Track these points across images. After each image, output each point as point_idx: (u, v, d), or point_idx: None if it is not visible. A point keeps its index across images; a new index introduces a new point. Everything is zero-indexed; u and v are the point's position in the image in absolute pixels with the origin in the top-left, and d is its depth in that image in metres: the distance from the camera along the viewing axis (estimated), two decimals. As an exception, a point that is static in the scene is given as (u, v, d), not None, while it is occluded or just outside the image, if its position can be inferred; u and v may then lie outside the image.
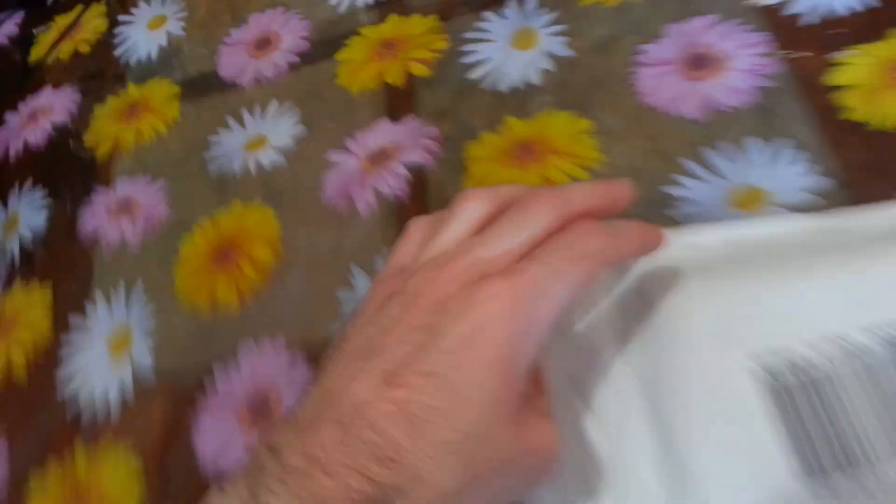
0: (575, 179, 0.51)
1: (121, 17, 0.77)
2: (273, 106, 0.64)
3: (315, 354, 0.50)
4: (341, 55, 0.64)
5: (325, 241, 0.55)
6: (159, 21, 0.75)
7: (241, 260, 0.57)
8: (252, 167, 0.61)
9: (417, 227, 0.35)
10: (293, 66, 0.66)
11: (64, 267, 0.63)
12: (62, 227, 0.66)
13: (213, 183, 0.62)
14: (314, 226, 0.56)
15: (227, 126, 0.64)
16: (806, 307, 0.34)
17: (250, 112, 0.64)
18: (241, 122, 0.64)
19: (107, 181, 0.67)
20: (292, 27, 0.68)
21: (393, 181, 0.56)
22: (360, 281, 0.52)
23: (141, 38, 0.75)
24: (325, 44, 0.66)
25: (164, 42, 0.74)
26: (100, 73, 0.75)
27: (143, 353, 0.55)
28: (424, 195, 0.55)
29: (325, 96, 0.63)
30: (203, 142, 0.65)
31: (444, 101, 0.58)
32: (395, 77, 0.61)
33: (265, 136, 0.62)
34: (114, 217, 0.64)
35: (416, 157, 0.56)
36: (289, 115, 0.63)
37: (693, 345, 0.36)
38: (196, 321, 0.55)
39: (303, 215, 0.57)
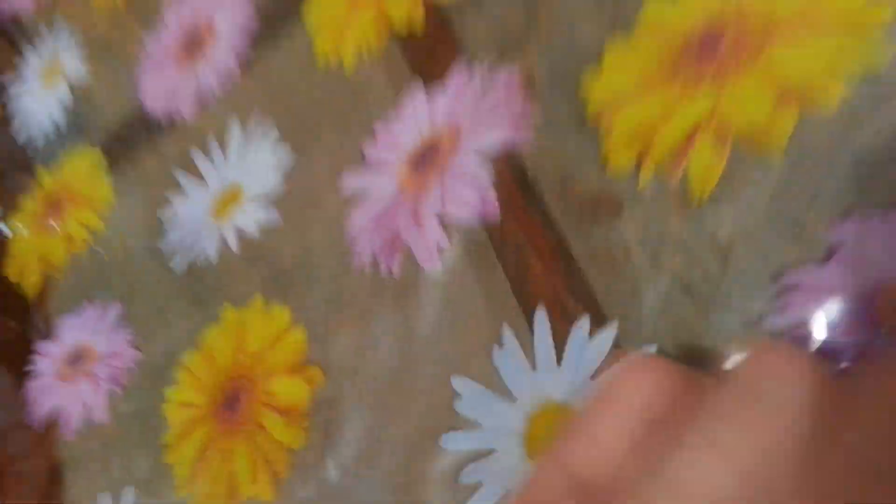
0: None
1: (11, 88, 0.53)
2: (234, 131, 0.38)
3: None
4: (310, 7, 0.38)
5: (388, 340, 0.30)
6: (53, 70, 0.50)
7: (260, 410, 0.32)
8: (232, 242, 0.36)
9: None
10: (244, 58, 0.40)
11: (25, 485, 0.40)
12: (13, 421, 0.42)
13: (185, 286, 0.37)
14: (359, 317, 0.31)
15: (179, 187, 0.39)
16: None
17: (204, 153, 0.39)
18: (196, 173, 0.39)
19: (47, 328, 0.43)
20: (227, -1, 0.42)
21: (468, 192, 0.29)
22: (469, 401, 0.27)
23: (39, 102, 0.50)
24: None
25: (67, 94, 0.49)
26: (7, 168, 0.51)
27: None
28: (531, 198, 0.28)
29: (305, 87, 0.37)
30: (154, 225, 0.40)
31: (510, 16, 0.32)
32: (406, 11, 0.35)
33: (238, 185, 0.37)
34: (67, 384, 0.40)
35: (496, 133, 0.30)
36: (262, 136, 0.37)
37: None
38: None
39: (334, 303, 0.32)
